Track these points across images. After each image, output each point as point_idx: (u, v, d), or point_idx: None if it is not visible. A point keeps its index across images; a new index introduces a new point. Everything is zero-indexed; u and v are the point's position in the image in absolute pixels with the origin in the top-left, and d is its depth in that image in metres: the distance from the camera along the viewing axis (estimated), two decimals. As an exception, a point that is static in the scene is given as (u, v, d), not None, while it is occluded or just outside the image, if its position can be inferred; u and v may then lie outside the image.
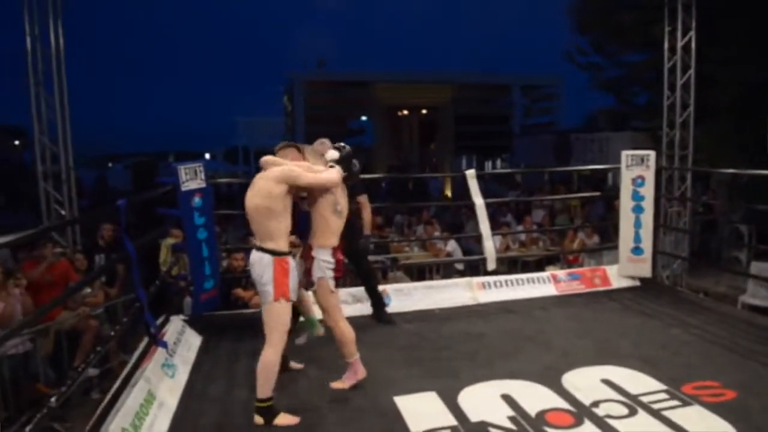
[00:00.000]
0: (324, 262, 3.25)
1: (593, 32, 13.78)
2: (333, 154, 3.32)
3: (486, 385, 3.40)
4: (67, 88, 7.10)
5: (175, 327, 4.13)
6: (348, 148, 3.38)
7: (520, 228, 9.06)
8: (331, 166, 3.25)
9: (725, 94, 10.39)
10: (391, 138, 31.61)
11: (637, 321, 4.63)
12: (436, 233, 8.54)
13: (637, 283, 5.59)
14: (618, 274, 5.64)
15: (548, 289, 5.41)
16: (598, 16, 13.05)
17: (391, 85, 29.47)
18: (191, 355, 3.95)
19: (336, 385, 3.38)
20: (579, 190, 14.26)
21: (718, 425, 2.89)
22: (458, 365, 3.73)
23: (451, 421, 2.99)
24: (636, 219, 5.49)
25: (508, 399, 3.22)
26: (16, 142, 29.06)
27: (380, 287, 5.11)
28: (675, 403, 3.13)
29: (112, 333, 3.76)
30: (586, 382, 3.42)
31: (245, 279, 5.35)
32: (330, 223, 3.25)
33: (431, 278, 6.92)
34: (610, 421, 2.95)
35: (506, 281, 5.41)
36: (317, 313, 3.62)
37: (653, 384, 3.36)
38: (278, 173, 3.05)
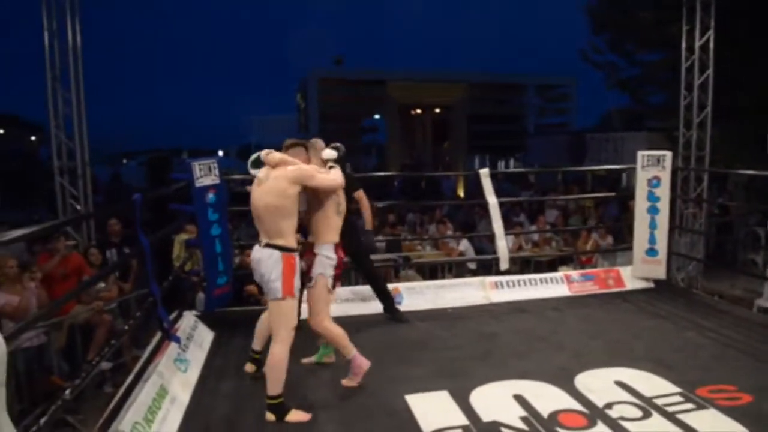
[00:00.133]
0: (327, 258, 3.24)
1: (610, 31, 13.66)
2: (330, 153, 3.33)
3: (498, 385, 3.38)
4: (83, 84, 7.17)
5: (187, 322, 4.14)
6: (343, 147, 3.39)
7: (533, 228, 9.01)
8: (331, 166, 3.26)
9: (743, 95, 10.26)
10: (405, 136, 31.63)
11: (651, 323, 4.58)
12: (449, 232, 8.51)
13: (651, 284, 5.53)
14: (632, 276, 5.58)
15: (561, 290, 5.37)
16: (615, 15, 12.95)
17: (404, 84, 29.47)
18: (203, 351, 3.97)
19: (347, 383, 3.37)
20: (593, 190, 14.17)
21: (734, 429, 2.85)
22: (470, 365, 3.71)
23: (463, 420, 2.98)
24: (651, 220, 5.43)
25: (520, 399, 3.20)
26: (33, 138, 29.40)
27: (392, 285, 5.11)
28: (689, 406, 3.09)
29: (126, 327, 3.78)
30: (599, 383, 3.39)
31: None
32: (332, 221, 3.26)
33: (443, 277, 6.90)
34: (624, 423, 2.92)
35: (519, 281, 5.37)
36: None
37: (667, 386, 3.32)
38: (293, 174, 3.03)
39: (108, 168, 27.41)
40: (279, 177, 3.04)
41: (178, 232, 5.59)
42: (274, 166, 3.11)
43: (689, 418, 2.95)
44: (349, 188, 3.94)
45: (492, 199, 5.37)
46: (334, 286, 3.36)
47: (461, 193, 21.14)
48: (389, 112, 30.43)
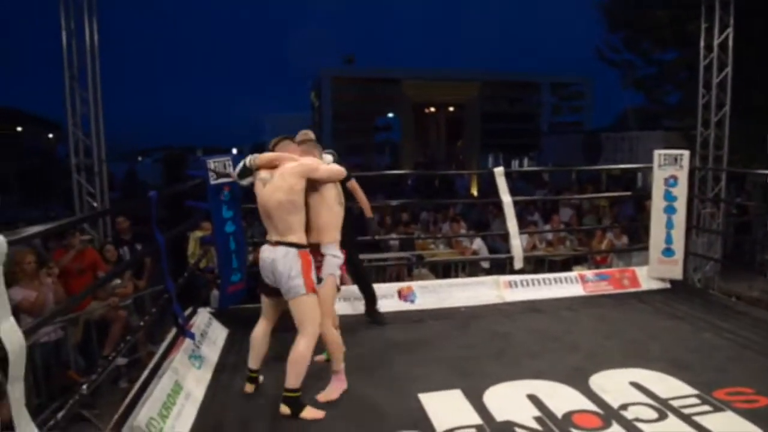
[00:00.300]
0: (333, 257, 3.23)
1: (626, 29, 13.55)
2: (328, 158, 3.39)
3: (512, 385, 3.36)
4: (100, 83, 7.24)
5: (202, 319, 4.17)
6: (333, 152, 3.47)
7: (547, 227, 8.96)
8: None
9: (759, 94, 10.13)
10: (418, 135, 31.59)
11: (667, 324, 4.54)
12: (462, 231, 8.49)
13: (668, 285, 5.47)
14: (648, 276, 5.52)
15: (576, 290, 5.33)
16: (632, 13, 12.83)
17: (418, 82, 29.44)
18: (217, 348, 3.99)
19: (323, 397, 3.18)
20: (608, 190, 14.06)
21: (752, 432, 2.81)
22: (484, 364, 3.69)
23: (476, 419, 2.96)
24: (668, 220, 5.37)
25: (534, 399, 3.18)
26: (50, 135, 29.75)
27: (405, 284, 5.10)
28: (706, 408, 3.05)
29: (141, 323, 3.81)
30: (614, 384, 3.36)
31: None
32: (335, 216, 3.25)
33: (456, 276, 6.89)
34: (639, 425, 2.89)
35: (533, 280, 5.34)
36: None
37: (684, 388, 3.28)
38: (299, 169, 3.05)
39: (123, 165, 27.68)
40: (285, 174, 3.05)
41: (193, 229, 5.63)
42: (273, 166, 3.10)
43: (706, 421, 2.91)
44: (343, 180, 3.95)
45: (506, 198, 5.34)
46: (339, 286, 3.34)
47: (475, 191, 21.08)
48: (403, 110, 30.41)
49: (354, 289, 4.90)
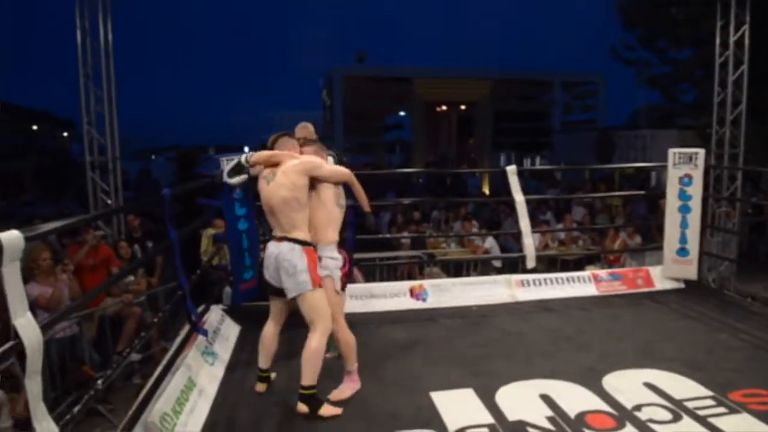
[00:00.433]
0: (330, 259, 3.17)
1: (641, 27, 13.44)
2: (330, 160, 3.40)
3: (524, 384, 3.35)
4: (115, 81, 7.30)
5: (215, 316, 4.19)
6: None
7: (559, 226, 8.91)
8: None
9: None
10: (429, 133, 31.51)
11: (681, 324, 4.50)
12: (474, 230, 8.47)
13: (682, 285, 5.42)
14: (662, 276, 5.48)
15: (589, 289, 5.30)
16: (647, 11, 12.72)
17: (429, 81, 29.34)
18: (230, 344, 4.01)
19: (335, 396, 3.16)
20: (621, 189, 13.95)
21: (768, 434, 2.78)
22: (496, 363, 3.68)
23: (489, 419, 2.96)
24: (682, 219, 5.32)
25: (546, 399, 3.16)
26: (65, 134, 30.05)
27: (417, 282, 5.10)
28: (722, 410, 3.02)
29: (155, 320, 3.84)
30: (627, 384, 3.33)
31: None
32: (333, 216, 3.20)
33: (468, 275, 6.88)
34: (653, 426, 2.87)
35: (545, 279, 5.32)
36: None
37: (699, 389, 3.25)
38: (301, 166, 3.06)
39: (137, 164, 27.88)
40: (288, 171, 3.05)
41: (206, 227, 5.66)
42: (274, 164, 3.10)
43: (721, 423, 2.88)
44: None
45: (519, 197, 5.31)
46: (343, 287, 3.28)
47: (486, 190, 21.00)
48: (414, 108, 30.33)
49: (365, 286, 4.92)
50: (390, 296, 4.90)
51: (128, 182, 13.98)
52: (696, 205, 5.29)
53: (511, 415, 2.99)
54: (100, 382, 2.53)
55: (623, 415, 2.99)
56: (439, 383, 3.35)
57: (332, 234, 3.19)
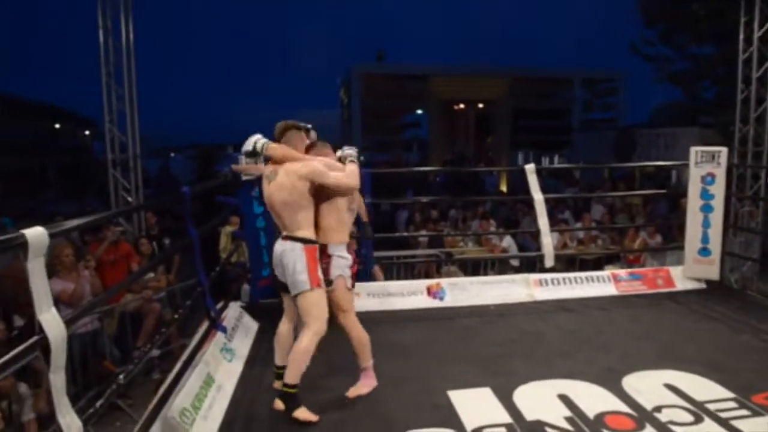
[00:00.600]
0: (342, 258, 3.15)
1: (662, 23, 13.25)
2: (349, 151, 3.24)
3: (542, 384, 3.33)
4: (136, 80, 7.40)
5: (233, 313, 4.22)
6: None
7: (578, 225, 8.83)
8: (351, 161, 3.16)
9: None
10: (447, 132, 31.43)
11: (703, 325, 4.43)
12: (492, 228, 8.44)
13: (704, 285, 5.34)
14: (683, 276, 5.40)
15: (608, 289, 5.24)
16: (668, 7, 12.55)
17: (447, 79, 29.25)
18: (248, 341, 4.03)
19: (354, 392, 3.19)
20: (641, 188, 13.79)
21: (793, 438, 2.73)
22: (514, 362, 3.66)
23: (506, 418, 2.94)
24: (704, 218, 5.25)
25: (565, 399, 3.14)
26: (87, 132, 30.47)
27: (435, 280, 5.09)
28: (744, 412, 2.97)
29: (176, 316, 3.88)
30: (647, 385, 3.29)
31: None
32: (344, 219, 3.16)
33: (485, 274, 6.85)
34: (674, 428, 2.83)
35: (564, 279, 5.27)
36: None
37: (721, 392, 3.20)
38: (303, 171, 2.95)
39: (156, 162, 28.18)
40: (289, 172, 2.96)
41: (224, 224, 5.71)
42: (280, 161, 3.01)
43: (743, 425, 2.83)
44: None
45: (538, 195, 5.28)
46: (353, 285, 3.28)
47: (504, 188, 20.90)
48: (432, 107, 30.30)
49: (382, 285, 4.92)
50: (407, 294, 4.90)
51: (148, 180, 14.14)
52: (718, 204, 5.21)
53: (529, 415, 2.97)
54: (121, 377, 2.57)
55: (643, 416, 2.95)
56: (456, 382, 3.34)
57: (343, 235, 3.17)
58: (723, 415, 2.94)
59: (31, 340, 1.84)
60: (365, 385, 3.23)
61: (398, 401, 3.15)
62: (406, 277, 6.50)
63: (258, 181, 4.28)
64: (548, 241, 5.30)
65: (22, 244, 1.78)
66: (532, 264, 6.29)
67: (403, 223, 10.54)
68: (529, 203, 5.52)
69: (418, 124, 35.11)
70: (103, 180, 7.82)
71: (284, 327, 3.33)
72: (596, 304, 4.92)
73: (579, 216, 9.45)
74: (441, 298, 4.89)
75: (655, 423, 2.88)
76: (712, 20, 11.16)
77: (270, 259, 4.38)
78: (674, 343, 4.00)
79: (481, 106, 31.76)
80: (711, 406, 3.03)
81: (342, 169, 3.12)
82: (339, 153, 3.27)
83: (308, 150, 3.17)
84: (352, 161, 3.18)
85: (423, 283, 5.11)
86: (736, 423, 2.86)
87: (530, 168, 5.34)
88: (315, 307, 2.98)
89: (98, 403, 2.28)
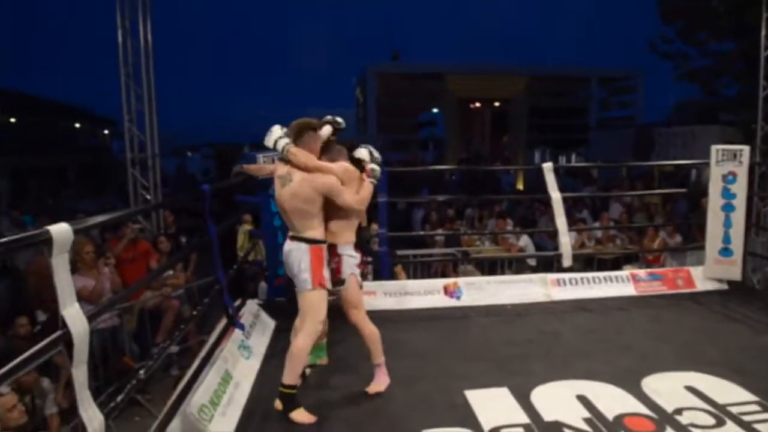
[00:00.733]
0: (351, 257, 3.15)
1: (681, 20, 13.07)
2: (363, 153, 3.21)
3: (560, 385, 3.30)
4: (154, 80, 7.47)
5: (250, 310, 4.24)
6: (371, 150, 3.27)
7: (596, 225, 8.75)
8: (372, 180, 3.14)
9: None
10: (463, 130, 31.33)
11: (724, 326, 4.37)
12: (509, 227, 8.39)
13: (725, 286, 5.26)
14: (703, 276, 5.32)
15: (627, 289, 5.18)
16: (687, 3, 12.37)
17: (463, 77, 29.15)
18: (265, 339, 4.05)
19: (373, 388, 3.21)
20: (660, 187, 13.62)
21: (817, 442, 2.68)
22: (531, 362, 3.64)
23: (524, 418, 2.92)
24: (726, 218, 5.17)
25: (583, 400, 3.11)
26: (106, 132, 30.86)
27: (451, 280, 5.08)
28: (767, 416, 2.92)
29: (194, 313, 3.91)
30: (668, 387, 3.25)
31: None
32: (352, 221, 3.16)
33: (502, 273, 6.82)
34: (695, 431, 2.80)
35: (582, 279, 5.22)
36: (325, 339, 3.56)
37: (743, 394, 3.15)
38: (321, 188, 2.92)
39: (173, 160, 28.42)
40: (305, 183, 2.93)
41: (241, 223, 5.75)
42: (301, 168, 2.96)
43: (767, 429, 2.79)
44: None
45: (555, 194, 5.24)
46: (361, 283, 3.28)
47: (521, 187, 20.77)
48: (448, 105, 30.22)
49: (398, 283, 4.92)
50: (424, 293, 4.89)
51: (166, 179, 14.30)
52: (740, 203, 5.13)
53: (547, 416, 2.95)
54: (142, 372, 2.59)
55: (663, 418, 2.92)
56: (473, 382, 3.32)
57: (351, 235, 3.18)
58: (746, 418, 2.89)
59: (54, 335, 1.87)
60: (382, 382, 3.24)
61: (414, 400, 3.15)
62: (422, 276, 6.50)
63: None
64: (566, 240, 5.26)
65: (47, 241, 1.81)
66: (549, 264, 6.24)
67: (419, 222, 10.53)
68: (547, 202, 5.48)
69: (433, 123, 35.05)
70: (122, 179, 7.91)
71: (299, 324, 3.34)
72: (615, 305, 4.87)
73: (597, 215, 9.37)
74: (458, 298, 4.87)
75: (676, 425, 2.84)
76: (732, 16, 10.99)
77: (286, 257, 4.43)
78: (695, 344, 3.95)
79: (497, 104, 31.63)
80: (733, 409, 2.98)
81: (358, 178, 3.13)
82: (358, 154, 3.22)
83: (322, 150, 3.14)
84: (372, 180, 3.15)
85: (440, 282, 5.10)
86: (759, 426, 2.81)
87: (548, 166, 5.30)
88: (312, 307, 2.99)
89: (119, 398, 2.31)
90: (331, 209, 3.09)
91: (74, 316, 1.89)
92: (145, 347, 5.58)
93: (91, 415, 1.96)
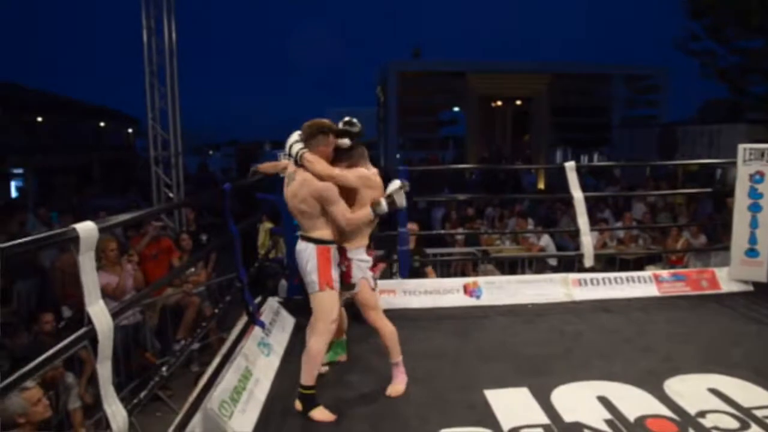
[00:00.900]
0: (362, 261, 3.13)
1: (709, 16, 12.84)
2: (344, 143, 3.08)
3: (581, 385, 3.27)
4: (178, 79, 7.57)
5: (271, 308, 4.28)
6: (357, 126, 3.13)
7: (618, 224, 8.64)
8: (384, 205, 3.03)
9: None
10: (484, 129, 31.13)
11: (750, 328, 4.28)
12: (530, 227, 8.33)
13: (750, 287, 5.15)
14: (728, 278, 5.22)
15: (649, 290, 5.11)
16: (717, -1, 12.16)
17: (485, 75, 28.95)
18: (285, 336, 4.08)
19: (393, 391, 3.18)
20: (684, 186, 13.40)
21: None
22: (552, 363, 3.60)
23: (544, 419, 2.90)
24: (752, 218, 5.06)
25: (604, 401, 3.08)
26: (129, 130, 31.33)
27: (471, 279, 5.06)
28: (794, 420, 2.86)
29: (216, 310, 3.95)
30: (691, 389, 3.20)
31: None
32: (364, 226, 3.10)
33: (522, 273, 6.77)
34: (719, 434, 2.75)
35: (604, 279, 5.16)
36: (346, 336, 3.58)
37: (769, 397, 3.09)
38: (315, 192, 2.90)
39: (195, 159, 28.75)
40: (304, 185, 2.92)
41: (262, 221, 5.80)
42: (316, 176, 2.91)
43: (793, 433, 2.74)
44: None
45: (578, 194, 5.18)
46: (375, 285, 3.26)
47: (542, 187, 20.59)
48: (469, 104, 30.04)
49: (419, 282, 4.92)
50: (444, 292, 4.88)
51: (188, 177, 14.47)
52: (767, 203, 5.03)
53: (568, 417, 2.92)
54: (164, 368, 2.63)
55: (686, 420, 2.87)
56: (492, 381, 3.31)
57: (362, 239, 3.14)
58: (771, 421, 2.84)
59: (80, 331, 1.91)
60: (401, 381, 3.24)
61: (433, 399, 3.14)
62: (442, 275, 6.48)
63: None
64: (588, 240, 5.20)
65: (74, 239, 1.85)
66: (570, 264, 6.18)
67: (439, 221, 10.51)
68: (568, 202, 5.43)
69: (455, 122, 34.89)
70: (145, 177, 8.03)
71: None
72: (637, 305, 4.81)
73: (619, 215, 9.26)
74: (478, 297, 4.85)
75: (699, 428, 2.80)
76: (762, 12, 10.76)
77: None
78: (719, 346, 3.88)
79: (518, 103, 31.36)
80: (758, 413, 2.92)
81: (380, 186, 3.09)
82: (390, 189, 3.08)
83: (342, 155, 3.08)
84: (386, 204, 3.02)
85: (460, 281, 5.08)
86: (785, 430, 2.76)
87: (570, 165, 5.24)
88: (322, 309, 3.00)
89: (142, 394, 2.34)
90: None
91: (99, 313, 1.93)
92: (167, 344, 5.66)
93: (115, 410, 2.00)
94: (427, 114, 33.17)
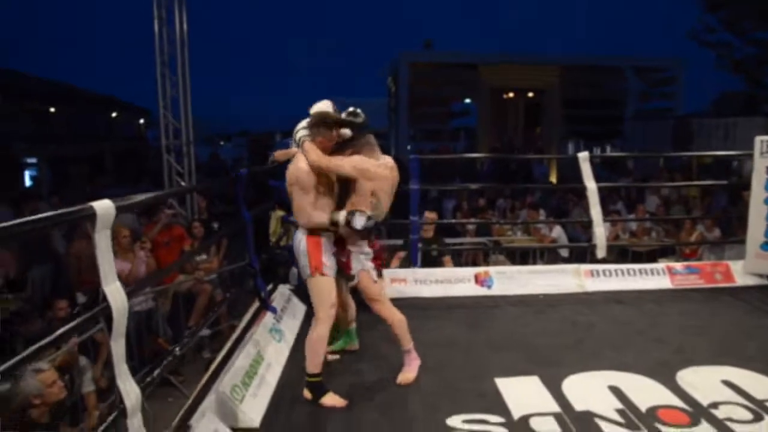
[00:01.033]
0: (362, 254, 3.12)
1: (726, 8, 12.67)
2: (346, 133, 3.07)
3: (592, 375, 3.26)
4: (189, 69, 7.58)
5: (282, 295, 4.29)
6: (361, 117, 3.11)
7: (631, 216, 8.58)
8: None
9: None
10: (495, 121, 30.94)
11: (764, 322, 4.23)
12: (541, 218, 8.30)
13: (766, 281, 5.10)
14: (743, 271, 5.17)
15: (662, 282, 5.07)
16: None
17: (496, 67, 28.74)
18: (296, 322, 4.10)
19: (403, 378, 3.18)
20: (698, 179, 13.26)
21: None
22: (563, 352, 3.59)
23: (555, 407, 2.89)
24: (768, 211, 5.00)
25: (616, 391, 3.06)
26: (141, 121, 31.50)
27: (482, 269, 5.05)
28: (808, 412, 2.83)
29: (227, 295, 3.97)
30: (703, 381, 3.17)
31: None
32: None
33: (534, 264, 6.74)
34: (732, 425, 2.72)
35: (617, 270, 5.13)
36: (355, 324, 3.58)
37: (783, 390, 3.06)
38: (293, 176, 2.96)
39: (206, 149, 28.82)
40: (293, 166, 2.99)
41: (274, 208, 5.81)
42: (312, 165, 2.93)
43: (807, 425, 2.71)
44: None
45: (591, 184, 5.14)
46: (379, 275, 3.25)
47: (554, 179, 20.47)
48: (480, 95, 29.86)
49: (430, 271, 4.91)
50: (455, 282, 4.87)
51: (199, 166, 14.55)
52: (785, 196, 4.96)
53: (578, 405, 2.91)
54: (177, 349, 2.65)
55: (698, 411, 2.85)
56: (503, 370, 3.31)
57: (362, 231, 3.09)
58: (785, 413, 2.81)
59: (96, 308, 1.92)
60: (413, 369, 3.23)
61: (443, 388, 3.14)
62: (453, 265, 6.46)
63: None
64: (600, 231, 5.17)
65: (91, 216, 1.86)
66: (582, 255, 6.14)
67: (450, 211, 10.48)
68: (580, 193, 5.39)
69: (466, 113, 34.70)
70: (156, 166, 8.07)
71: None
72: (650, 297, 4.78)
73: (632, 207, 9.18)
74: (489, 287, 4.84)
75: (712, 419, 2.78)
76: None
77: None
78: (733, 339, 3.84)
79: (531, 95, 31.12)
80: (772, 405, 2.90)
81: (375, 177, 3.03)
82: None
83: (347, 142, 3.08)
84: (343, 219, 2.95)
85: (471, 271, 5.08)
86: (799, 422, 2.73)
87: (583, 156, 5.21)
88: (319, 294, 3.02)
89: (155, 372, 2.36)
90: (343, 202, 3.08)
91: (114, 291, 1.95)
92: (179, 330, 5.70)
93: (129, 388, 2.02)
94: (439, 105, 32.99)
